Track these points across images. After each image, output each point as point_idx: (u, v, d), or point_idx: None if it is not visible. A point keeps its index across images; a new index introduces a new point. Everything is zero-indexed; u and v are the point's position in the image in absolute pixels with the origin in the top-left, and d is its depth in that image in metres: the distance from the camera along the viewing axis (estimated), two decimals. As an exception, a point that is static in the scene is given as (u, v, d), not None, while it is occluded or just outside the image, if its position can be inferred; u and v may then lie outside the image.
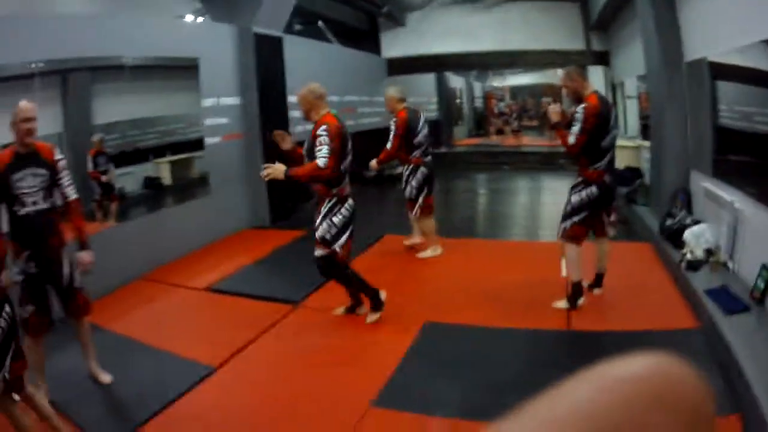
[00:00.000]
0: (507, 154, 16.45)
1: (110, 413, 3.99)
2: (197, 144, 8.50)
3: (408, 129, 6.52)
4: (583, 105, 4.63)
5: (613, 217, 5.12)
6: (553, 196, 10.06)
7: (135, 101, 8.43)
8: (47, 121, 8.44)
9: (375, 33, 14.98)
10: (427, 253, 6.88)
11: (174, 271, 6.81)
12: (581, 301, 4.94)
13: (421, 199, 6.66)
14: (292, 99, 9.71)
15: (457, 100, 22.11)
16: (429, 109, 17.85)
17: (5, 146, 3.99)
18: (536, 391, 0.41)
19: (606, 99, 4.89)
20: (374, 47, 14.78)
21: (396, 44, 14.87)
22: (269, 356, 4.71)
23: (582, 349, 4.29)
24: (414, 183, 6.65)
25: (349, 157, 4.77)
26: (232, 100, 8.99)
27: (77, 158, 8.89)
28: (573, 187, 4.94)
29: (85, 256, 4.13)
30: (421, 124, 6.67)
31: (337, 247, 4.72)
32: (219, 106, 8.69)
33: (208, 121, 8.52)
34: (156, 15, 9.10)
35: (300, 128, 10.21)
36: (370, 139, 11.09)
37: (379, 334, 4.84)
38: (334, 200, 4.70)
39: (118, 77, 8.04)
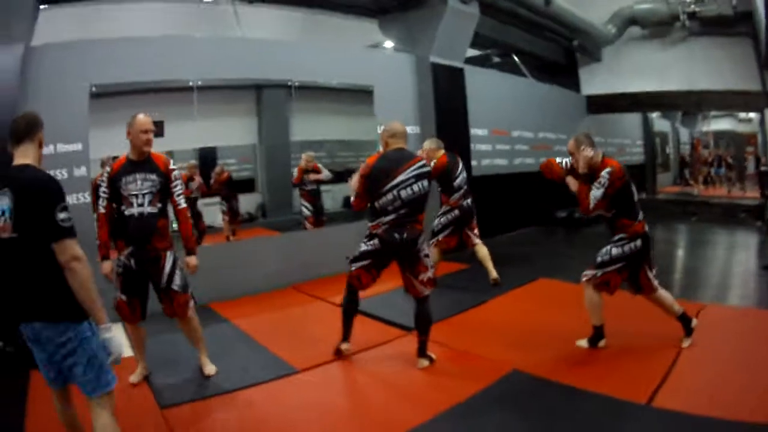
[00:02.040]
0: (698, 204, 14.85)
1: (186, 382, 4.42)
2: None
3: (445, 173, 6.72)
4: (607, 170, 4.43)
5: (655, 271, 4.69)
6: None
7: (330, 122, 9.11)
8: (244, 131, 9.18)
9: (573, 68, 14.21)
10: None
11: (326, 284, 6.92)
12: (602, 342, 4.69)
13: (441, 236, 6.89)
14: (475, 131, 9.80)
15: (666, 147, 20.67)
16: (633, 152, 16.83)
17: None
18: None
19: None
20: (573, 83, 14.05)
21: (594, 80, 14.03)
22: (349, 373, 4.80)
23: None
24: (443, 220, 6.89)
25: (388, 196, 4.47)
26: (410, 129, 8.95)
27: (271, 168, 9.66)
28: (614, 242, 4.62)
29: (190, 260, 4.41)
30: (459, 169, 6.89)
31: (352, 267, 4.74)
32: None
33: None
34: (344, 42, 9.52)
35: (486, 161, 10.12)
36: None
37: (463, 372, 4.62)
38: (368, 233, 4.64)
39: (311, 98, 8.64)
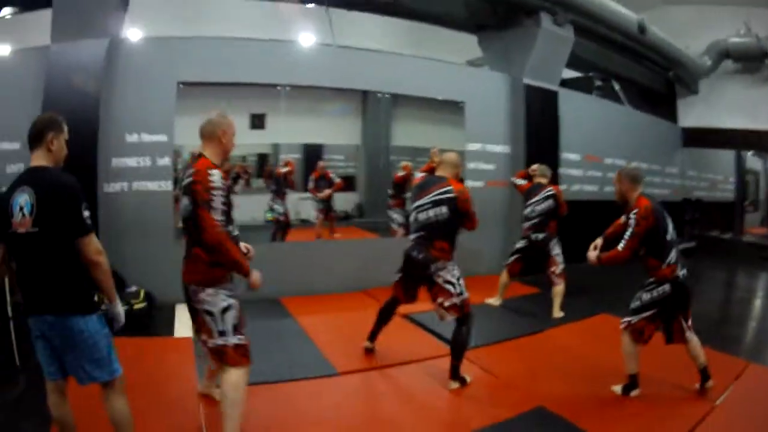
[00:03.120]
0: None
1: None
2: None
3: (526, 196, 6.82)
4: (634, 211, 4.33)
5: (690, 322, 4.45)
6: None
7: (427, 131, 9.15)
8: (349, 132, 9.33)
9: (672, 98, 13.60)
10: (490, 301, 7.11)
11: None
12: (635, 392, 4.44)
13: (510, 260, 6.95)
14: (567, 156, 9.64)
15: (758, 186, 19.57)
16: (724, 189, 15.98)
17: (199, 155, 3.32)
18: None
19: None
20: (670, 114, 13.47)
21: (690, 113, 13.38)
22: (384, 383, 4.88)
23: None
24: (516, 245, 6.95)
25: (413, 215, 4.74)
26: (501, 148, 9.02)
27: (371, 169, 9.83)
28: (644, 286, 4.47)
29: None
30: (533, 198, 6.82)
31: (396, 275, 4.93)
32: (484, 152, 8.82)
33: (471, 165, 8.64)
34: (443, 54, 9.45)
35: (576, 187, 9.90)
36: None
37: (492, 399, 4.60)
38: None
39: (412, 106, 8.96)
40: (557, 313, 6.69)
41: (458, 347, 4.66)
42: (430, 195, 4.59)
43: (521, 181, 6.92)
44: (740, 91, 12.82)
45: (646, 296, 4.43)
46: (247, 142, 8.06)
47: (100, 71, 6.33)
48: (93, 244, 2.84)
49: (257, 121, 8.12)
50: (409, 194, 8.50)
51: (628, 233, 4.31)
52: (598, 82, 13.13)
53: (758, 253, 12.02)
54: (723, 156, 15.75)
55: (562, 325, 6.36)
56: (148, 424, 3.60)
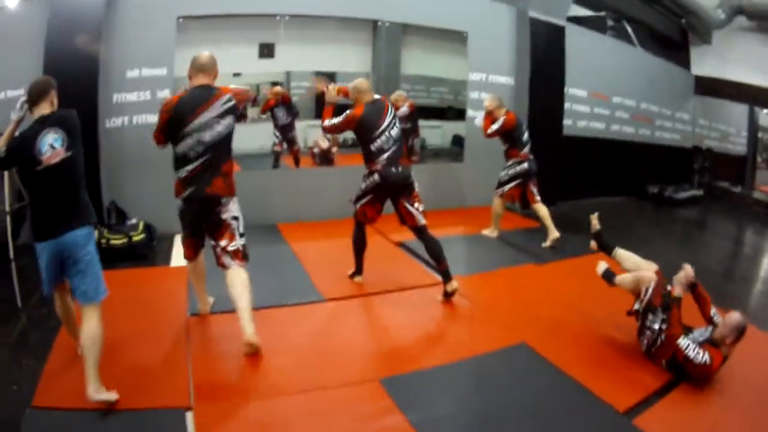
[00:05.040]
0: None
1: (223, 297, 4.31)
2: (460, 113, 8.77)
3: (515, 128, 6.73)
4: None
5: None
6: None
7: (434, 60, 9.20)
8: (358, 61, 9.11)
9: (686, 46, 12.89)
10: (485, 232, 7.14)
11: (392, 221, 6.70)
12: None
13: (507, 188, 6.87)
14: (574, 91, 9.44)
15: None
16: (736, 142, 15.38)
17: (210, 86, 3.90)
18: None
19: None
20: (683, 61, 12.75)
21: (703, 62, 12.62)
22: (371, 310, 4.95)
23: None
24: (511, 172, 6.84)
25: (382, 138, 4.85)
26: (504, 80, 8.80)
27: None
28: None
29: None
30: (524, 126, 6.89)
31: (357, 205, 5.09)
32: (488, 83, 8.59)
33: (474, 95, 8.49)
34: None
35: (582, 123, 9.70)
36: (665, 156, 10.67)
37: (476, 331, 4.58)
38: (366, 172, 4.96)
39: (421, 35, 8.85)
40: (555, 233, 6.67)
41: (440, 248, 4.96)
42: (387, 117, 4.88)
43: (498, 123, 6.66)
44: (754, 48, 12.09)
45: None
46: (257, 71, 8.12)
47: (101, 10, 6.29)
48: None
49: (266, 51, 7.98)
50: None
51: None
52: (611, 23, 12.64)
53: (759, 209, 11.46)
54: (735, 108, 14.99)
55: (555, 262, 6.22)
56: (139, 343, 4.01)
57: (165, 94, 6.52)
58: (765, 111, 15.71)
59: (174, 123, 3.75)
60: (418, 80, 9.44)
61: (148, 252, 6.11)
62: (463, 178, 8.63)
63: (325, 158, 8.48)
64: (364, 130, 4.84)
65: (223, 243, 3.94)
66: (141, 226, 6.13)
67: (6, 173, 4.80)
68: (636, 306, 4.05)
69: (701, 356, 3.59)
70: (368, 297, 5.10)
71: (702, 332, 3.85)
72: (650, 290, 3.93)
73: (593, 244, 4.93)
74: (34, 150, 3.15)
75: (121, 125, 6.56)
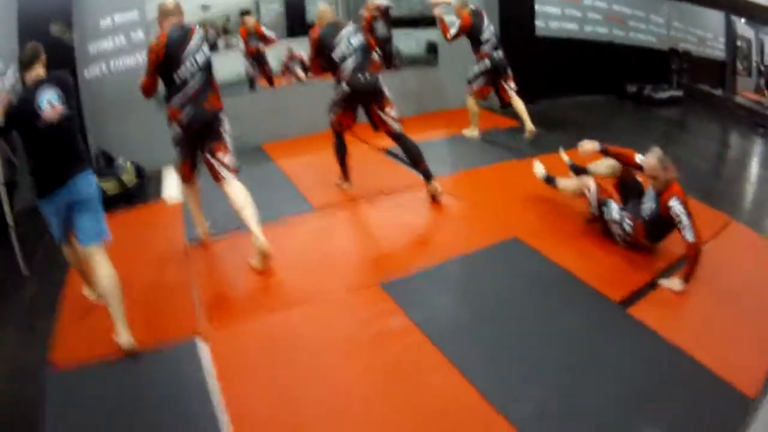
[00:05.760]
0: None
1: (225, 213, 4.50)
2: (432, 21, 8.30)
3: (473, 30, 6.78)
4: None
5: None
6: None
7: None
8: None
9: None
10: (466, 132, 7.17)
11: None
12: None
13: (474, 85, 6.93)
14: None
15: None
16: (714, 47, 15.19)
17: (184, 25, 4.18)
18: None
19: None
20: None
21: None
22: (362, 214, 5.13)
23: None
24: (475, 69, 6.90)
25: (341, 47, 5.02)
26: None
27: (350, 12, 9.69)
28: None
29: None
30: (486, 24, 6.83)
31: (331, 115, 5.24)
32: None
33: None
34: None
35: (555, 24, 9.47)
36: (641, 57, 10.50)
37: (468, 228, 4.70)
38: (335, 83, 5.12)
39: None
40: (530, 125, 6.77)
41: (418, 152, 5.08)
42: (346, 30, 5.06)
43: (455, 26, 6.77)
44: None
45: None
46: (226, 2, 8.35)
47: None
48: None
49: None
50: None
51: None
52: None
53: (751, 118, 11.33)
54: (712, 14, 14.84)
55: (539, 156, 5.99)
56: (142, 280, 4.09)
57: (139, 36, 6.56)
58: (742, 20, 15.54)
59: (170, 52, 4.01)
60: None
61: (140, 192, 6.13)
62: (440, 82, 8.59)
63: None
64: (323, 46, 5.03)
65: (219, 155, 4.18)
66: (129, 166, 6.13)
67: None
68: (591, 210, 4.26)
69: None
70: (358, 202, 5.22)
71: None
72: (593, 188, 4.23)
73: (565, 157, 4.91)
74: (33, 106, 3.27)
75: (99, 73, 6.51)
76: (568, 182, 4.59)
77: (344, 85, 5.00)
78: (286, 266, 4.12)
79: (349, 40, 4.99)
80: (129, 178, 6.04)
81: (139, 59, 6.41)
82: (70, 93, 3.48)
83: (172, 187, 5.97)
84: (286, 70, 8.80)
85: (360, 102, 5.12)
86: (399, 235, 4.61)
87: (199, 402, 2.88)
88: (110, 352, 3.25)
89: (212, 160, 4.19)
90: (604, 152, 4.24)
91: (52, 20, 5.96)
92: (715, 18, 14.74)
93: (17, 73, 5.15)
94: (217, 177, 4.22)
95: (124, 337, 3.24)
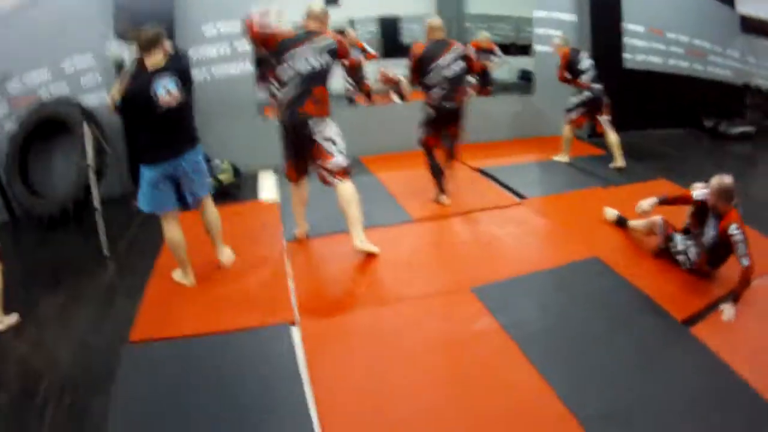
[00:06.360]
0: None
1: (326, 217, 5.05)
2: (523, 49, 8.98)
3: (569, 61, 6.99)
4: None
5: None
6: None
7: None
8: (420, 2, 9.65)
9: None
10: (556, 158, 7.31)
11: (477, 149, 7.16)
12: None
13: (573, 115, 7.12)
14: (632, 27, 9.38)
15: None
16: None
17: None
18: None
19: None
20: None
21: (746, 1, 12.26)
22: (456, 228, 5.37)
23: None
24: (574, 100, 7.12)
25: (434, 73, 5.25)
26: (566, 16, 8.83)
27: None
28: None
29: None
30: (581, 56, 7.04)
31: (422, 135, 5.60)
32: (551, 19, 8.69)
33: (540, 31, 8.66)
34: None
35: (641, 57, 9.63)
36: (717, 91, 10.40)
37: (555, 245, 5.00)
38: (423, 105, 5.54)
39: None
40: (620, 162, 6.93)
41: (435, 171, 5.65)
42: (449, 53, 5.25)
43: (559, 65, 7.10)
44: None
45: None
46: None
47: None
48: None
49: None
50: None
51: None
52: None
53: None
54: None
55: (623, 185, 6.37)
56: (241, 270, 4.45)
57: (244, 46, 6.79)
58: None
59: (279, 49, 4.21)
60: (482, 18, 9.59)
61: (236, 191, 6.49)
62: (535, 110, 8.78)
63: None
64: (421, 64, 5.28)
65: (320, 162, 4.37)
66: (226, 165, 6.47)
67: (88, 130, 5.21)
68: (659, 244, 4.54)
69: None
70: (453, 216, 5.50)
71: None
72: (661, 225, 4.51)
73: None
74: (149, 93, 3.62)
75: (202, 80, 6.76)
76: (637, 222, 4.87)
77: (430, 109, 5.39)
78: (381, 268, 4.41)
79: (450, 65, 5.24)
80: (226, 176, 6.42)
81: (242, 68, 6.80)
82: (188, 78, 3.92)
83: (269, 188, 6.34)
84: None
85: (443, 125, 5.46)
86: (489, 247, 4.89)
87: (285, 380, 3.14)
88: (192, 332, 3.56)
89: (317, 168, 4.43)
90: (664, 202, 4.49)
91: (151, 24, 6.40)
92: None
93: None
94: (323, 182, 4.45)
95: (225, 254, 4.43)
